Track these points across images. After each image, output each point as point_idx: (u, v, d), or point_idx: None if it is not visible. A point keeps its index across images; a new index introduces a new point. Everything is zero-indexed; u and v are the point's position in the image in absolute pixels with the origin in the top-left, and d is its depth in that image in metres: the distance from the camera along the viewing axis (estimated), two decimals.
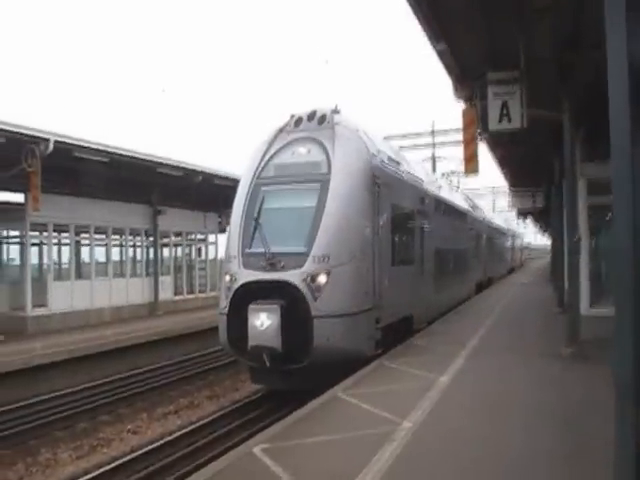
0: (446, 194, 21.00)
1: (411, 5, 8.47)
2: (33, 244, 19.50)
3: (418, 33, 9.54)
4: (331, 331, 10.15)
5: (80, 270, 21.99)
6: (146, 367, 16.28)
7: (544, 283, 30.82)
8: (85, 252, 22.15)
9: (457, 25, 9.43)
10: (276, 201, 11.39)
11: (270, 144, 11.94)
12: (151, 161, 19.90)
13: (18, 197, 18.31)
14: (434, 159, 34.73)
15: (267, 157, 11.79)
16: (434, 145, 32.66)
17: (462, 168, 17.76)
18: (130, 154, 18.95)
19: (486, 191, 47.28)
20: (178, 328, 19.34)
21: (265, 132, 12.36)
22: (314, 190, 11.00)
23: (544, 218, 41.33)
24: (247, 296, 10.42)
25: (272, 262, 10.51)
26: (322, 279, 10.27)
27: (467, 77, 11.51)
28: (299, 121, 12.00)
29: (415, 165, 17.21)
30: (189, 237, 27.46)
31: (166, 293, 24.72)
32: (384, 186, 11.95)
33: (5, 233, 19.95)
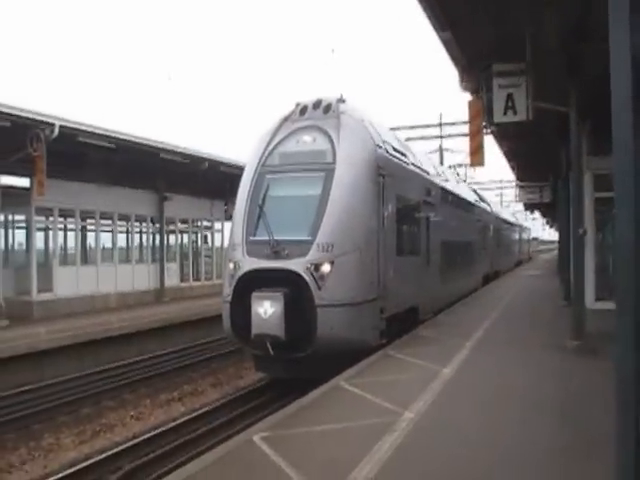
0: (453, 186, 20.92)
1: None
2: (39, 229, 19.53)
3: (425, 22, 9.47)
4: (335, 320, 10.14)
5: (86, 255, 22.06)
6: (151, 353, 16.37)
7: (552, 276, 30.71)
8: (91, 238, 22.17)
9: (463, 13, 9.34)
10: (280, 189, 11.37)
11: (275, 132, 11.88)
12: (157, 147, 19.87)
13: (24, 182, 18.28)
14: (441, 151, 34.57)
15: (272, 145, 11.74)
16: (441, 137, 32.41)
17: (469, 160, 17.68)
18: (136, 140, 18.94)
19: (493, 185, 47.09)
20: (184, 315, 19.42)
21: (270, 120, 12.32)
22: (319, 179, 10.96)
23: (551, 212, 41.28)
24: (251, 284, 10.41)
25: (276, 250, 10.49)
26: (326, 268, 10.25)
27: (473, 68, 11.44)
28: (304, 110, 11.94)
29: (421, 156, 17.14)
30: (195, 224, 27.52)
31: (172, 280, 24.80)
32: (389, 176, 11.89)
33: (11, 218, 19.94)
